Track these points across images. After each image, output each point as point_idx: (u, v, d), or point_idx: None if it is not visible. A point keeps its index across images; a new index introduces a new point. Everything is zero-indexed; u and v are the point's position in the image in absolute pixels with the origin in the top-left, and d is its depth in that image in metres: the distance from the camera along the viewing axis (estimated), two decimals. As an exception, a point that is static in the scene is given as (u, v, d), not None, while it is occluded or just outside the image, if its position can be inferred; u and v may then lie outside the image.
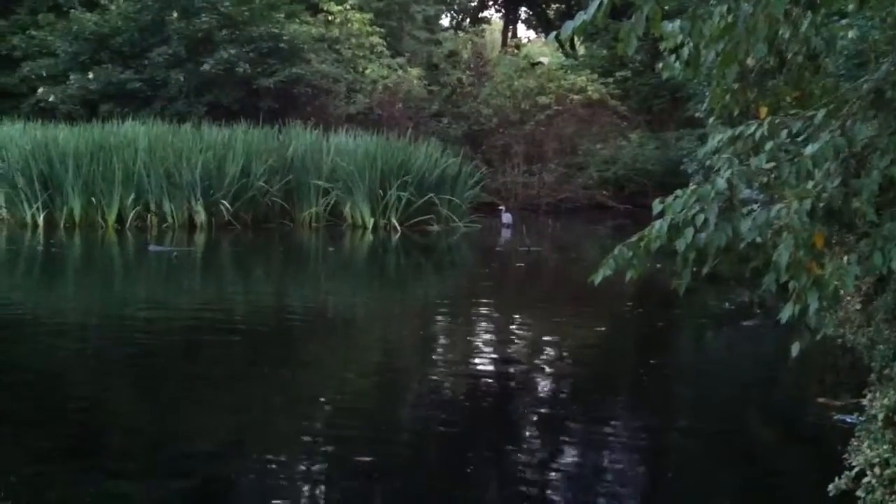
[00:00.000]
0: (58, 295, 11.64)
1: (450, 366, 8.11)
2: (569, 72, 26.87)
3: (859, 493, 4.37)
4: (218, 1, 21.90)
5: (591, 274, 4.04)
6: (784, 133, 3.89)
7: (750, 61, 4.13)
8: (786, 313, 3.86)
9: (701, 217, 3.78)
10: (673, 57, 4.65)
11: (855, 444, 5.13)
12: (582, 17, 3.74)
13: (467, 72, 26.86)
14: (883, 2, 4.65)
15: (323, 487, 5.13)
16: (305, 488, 5.07)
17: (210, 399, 6.88)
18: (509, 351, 8.90)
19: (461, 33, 32.54)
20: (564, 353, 8.84)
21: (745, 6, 3.79)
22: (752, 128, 3.95)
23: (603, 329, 9.98)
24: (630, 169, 24.61)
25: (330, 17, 24.78)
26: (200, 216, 18.28)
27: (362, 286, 13.27)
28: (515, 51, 30.37)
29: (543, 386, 7.67)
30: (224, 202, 18.21)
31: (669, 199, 3.95)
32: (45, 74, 22.43)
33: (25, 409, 6.38)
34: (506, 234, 20.07)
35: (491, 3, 41.74)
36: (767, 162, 3.87)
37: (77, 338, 9.03)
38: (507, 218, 20.77)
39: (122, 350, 8.37)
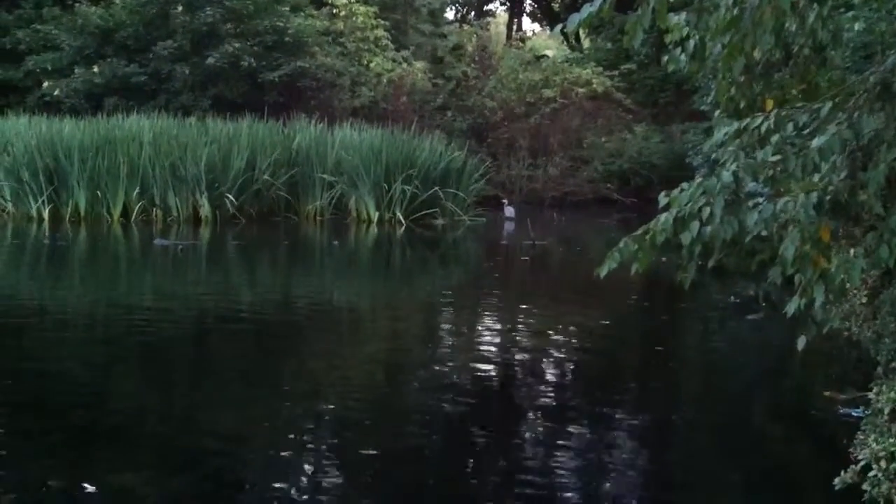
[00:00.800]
0: (64, 288, 11.66)
1: (455, 358, 8.11)
2: (574, 65, 26.82)
3: (865, 486, 4.37)
4: (222, -6, 21.92)
5: (597, 267, 4.03)
6: (790, 126, 3.88)
7: (756, 54, 4.11)
8: (792, 307, 3.86)
9: (707, 210, 3.78)
10: (678, 50, 4.64)
11: (861, 437, 5.13)
12: (588, 9, 3.74)
13: (472, 65, 26.82)
14: (890, -6, 4.63)
15: (330, 478, 5.14)
16: (312, 479, 5.07)
17: (217, 390, 6.90)
18: (515, 344, 8.90)
19: (466, 26, 32.48)
20: (570, 346, 8.83)
21: (752, -2, 3.78)
22: (758, 121, 3.94)
23: (608, 322, 9.98)
24: (635, 162, 24.56)
25: (335, 11, 24.76)
26: (205, 210, 18.29)
27: (368, 279, 13.28)
28: (520, 44, 30.31)
29: (549, 378, 7.67)
30: (229, 196, 18.22)
31: (675, 192, 3.95)
32: (50, 68, 22.45)
33: (32, 401, 6.39)
34: (508, 227, 20.06)
35: (496, -5, 41.73)
36: (773, 155, 3.87)
37: (83, 331, 9.05)
38: (509, 211, 20.76)
39: (129, 343, 8.40)
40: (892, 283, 7.49)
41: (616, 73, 26.02)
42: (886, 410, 5.10)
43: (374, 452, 5.54)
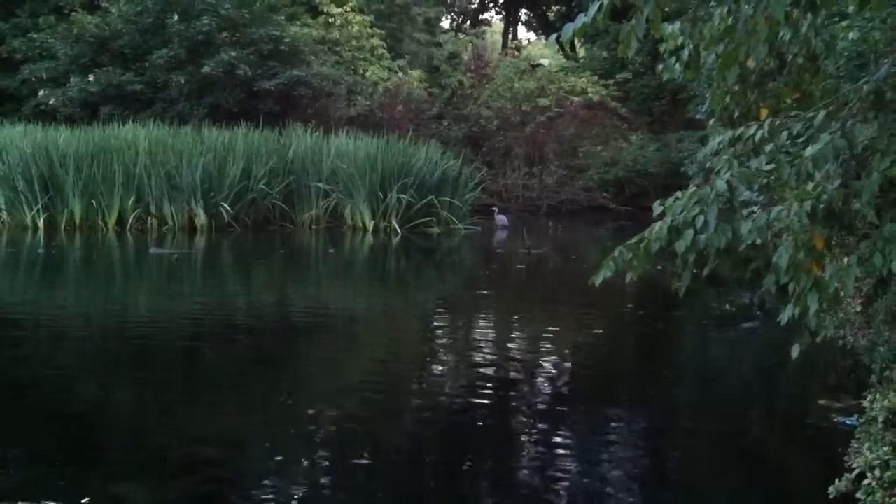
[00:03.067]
0: (60, 297, 11.63)
1: (450, 367, 8.11)
2: (569, 74, 26.92)
3: (859, 495, 4.37)
4: (218, 3, 21.91)
5: (592, 276, 4.04)
6: (784, 134, 3.89)
7: (750, 63, 4.12)
8: (786, 315, 3.86)
9: (701, 219, 3.78)
10: (673, 59, 4.65)
11: (855, 445, 5.14)
12: (582, 18, 3.74)
13: (468, 74, 26.90)
14: (883, 3, 4.65)
15: (327, 486, 5.13)
16: (309, 487, 5.07)
17: (213, 400, 6.89)
18: (510, 352, 8.90)
19: (462, 35, 32.62)
20: (565, 355, 8.84)
21: (746, 8, 3.80)
22: (753, 129, 3.95)
23: (603, 331, 9.98)
24: (630, 171, 24.63)
25: (330, 20, 24.82)
26: (201, 218, 18.29)
27: (363, 288, 13.27)
28: (516, 53, 30.40)
29: (544, 387, 7.66)
30: (224, 204, 18.21)
31: (670, 200, 3.96)
32: (45, 77, 22.45)
33: (28, 410, 6.38)
34: (500, 235, 20.07)
35: (491, 5, 41.83)
36: (767, 163, 3.88)
37: (79, 340, 9.02)
38: (501, 219, 20.76)
39: (125, 351, 8.39)
40: (886, 291, 7.49)
41: (611, 81, 26.11)
42: (881, 419, 5.11)
43: (371, 461, 5.53)
